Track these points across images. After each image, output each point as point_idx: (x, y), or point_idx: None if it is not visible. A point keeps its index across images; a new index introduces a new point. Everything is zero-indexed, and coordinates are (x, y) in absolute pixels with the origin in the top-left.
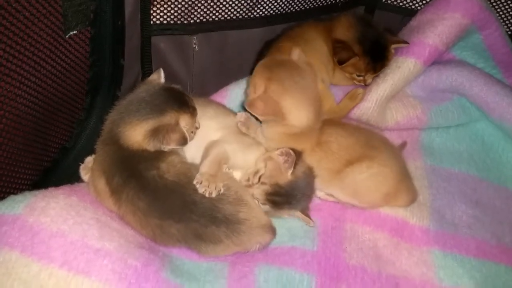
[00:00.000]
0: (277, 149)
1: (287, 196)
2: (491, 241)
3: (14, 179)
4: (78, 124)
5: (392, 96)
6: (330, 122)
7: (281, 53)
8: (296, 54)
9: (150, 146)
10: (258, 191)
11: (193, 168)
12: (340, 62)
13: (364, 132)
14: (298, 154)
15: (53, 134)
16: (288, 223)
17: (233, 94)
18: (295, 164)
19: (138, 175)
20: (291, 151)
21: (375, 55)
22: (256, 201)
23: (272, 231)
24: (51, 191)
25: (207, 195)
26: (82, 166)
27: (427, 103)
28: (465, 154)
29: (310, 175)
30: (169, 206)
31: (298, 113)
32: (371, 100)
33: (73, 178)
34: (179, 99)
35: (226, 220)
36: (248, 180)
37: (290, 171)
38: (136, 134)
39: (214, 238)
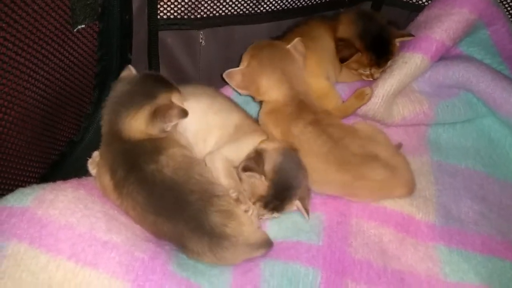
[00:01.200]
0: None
1: (278, 197)
2: (497, 237)
3: (23, 172)
4: (86, 118)
5: (399, 92)
6: (308, 117)
7: None
8: (294, 42)
9: (155, 129)
10: (260, 212)
11: (195, 163)
12: (343, 60)
13: (341, 140)
14: (257, 153)
15: (61, 127)
16: (294, 218)
17: None
18: (261, 166)
19: (138, 169)
20: (247, 161)
21: (378, 49)
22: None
23: (265, 246)
24: (59, 184)
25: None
26: (89, 161)
27: (433, 99)
28: (471, 150)
29: (286, 157)
30: (163, 202)
31: (271, 90)
32: (377, 96)
33: (80, 171)
34: (164, 82)
35: (211, 231)
36: (249, 210)
37: (263, 179)
38: (138, 123)
39: (197, 247)
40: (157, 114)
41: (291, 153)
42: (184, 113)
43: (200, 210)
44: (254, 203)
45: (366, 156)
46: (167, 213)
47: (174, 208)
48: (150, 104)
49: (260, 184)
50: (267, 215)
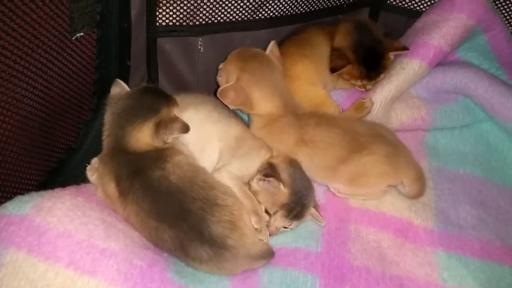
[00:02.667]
0: (252, 180)
1: (299, 204)
2: (496, 242)
3: (21, 179)
4: (85, 125)
5: (397, 97)
6: (312, 121)
7: (288, 57)
8: (270, 47)
9: (159, 141)
10: (280, 223)
11: (200, 172)
12: (333, 70)
13: (348, 127)
14: (270, 165)
15: (59, 134)
16: None
17: None
18: (279, 175)
19: (143, 175)
20: (265, 170)
21: (369, 63)
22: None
23: (266, 257)
24: (58, 192)
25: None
26: (88, 167)
27: (431, 104)
28: (469, 155)
29: (296, 168)
30: (167, 209)
31: (264, 103)
32: (375, 101)
33: (79, 178)
34: (164, 95)
35: (211, 241)
36: (269, 223)
37: (282, 187)
38: (144, 136)
39: (197, 256)
40: (161, 126)
41: (297, 163)
42: (185, 128)
43: (202, 219)
44: (275, 213)
45: (373, 134)
46: (170, 220)
47: (177, 216)
48: (155, 117)
49: (280, 192)
50: (287, 223)
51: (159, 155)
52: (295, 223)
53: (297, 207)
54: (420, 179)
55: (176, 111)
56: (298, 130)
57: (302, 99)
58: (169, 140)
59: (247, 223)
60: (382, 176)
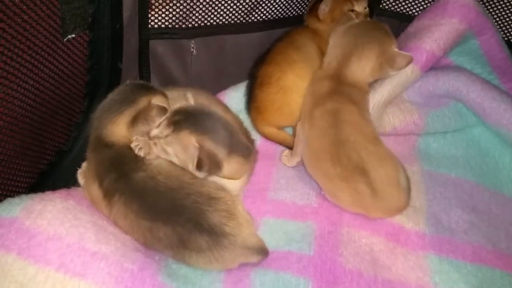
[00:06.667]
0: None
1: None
2: (487, 246)
3: (11, 181)
4: (76, 127)
5: (389, 102)
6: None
7: (276, 66)
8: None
9: (138, 133)
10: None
11: (185, 171)
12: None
13: (345, 144)
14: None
15: (50, 137)
16: (285, 227)
17: (230, 99)
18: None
19: (126, 177)
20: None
21: None
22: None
23: (261, 253)
24: (48, 195)
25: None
26: (79, 171)
27: (424, 109)
28: (461, 160)
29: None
30: (158, 208)
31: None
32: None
33: (69, 181)
34: (144, 87)
35: (210, 229)
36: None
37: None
38: (119, 129)
39: (197, 246)
40: (138, 119)
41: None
42: (163, 110)
43: (198, 211)
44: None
45: (358, 168)
46: (164, 217)
47: (171, 213)
48: (130, 109)
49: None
50: (162, 130)
51: (138, 156)
52: (170, 138)
53: (181, 115)
54: (390, 215)
55: (157, 100)
56: (320, 100)
57: (295, 110)
58: (154, 132)
59: (242, 213)
60: (350, 204)
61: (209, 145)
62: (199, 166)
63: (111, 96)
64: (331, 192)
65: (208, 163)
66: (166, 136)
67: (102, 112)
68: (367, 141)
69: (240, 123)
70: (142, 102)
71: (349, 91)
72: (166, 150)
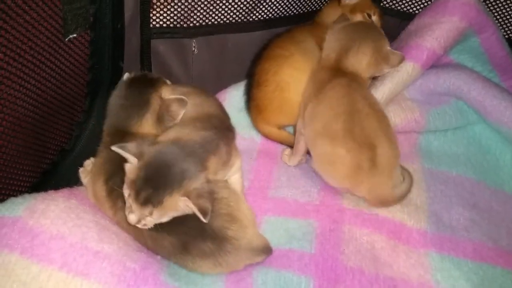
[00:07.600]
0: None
1: (151, 184)
2: (488, 244)
3: (14, 181)
4: (77, 126)
5: (390, 100)
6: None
7: (272, 61)
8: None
9: (165, 127)
10: (132, 210)
11: None
12: None
13: (358, 116)
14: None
15: (52, 136)
16: (286, 225)
17: (231, 97)
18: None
19: None
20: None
21: None
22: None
23: (266, 252)
24: (51, 194)
25: None
26: (81, 170)
27: (425, 106)
28: (462, 157)
29: (176, 147)
30: None
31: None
32: None
33: (72, 180)
34: (147, 82)
35: (213, 235)
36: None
37: (131, 158)
38: (148, 129)
39: (200, 252)
40: (163, 117)
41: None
42: (183, 102)
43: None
44: (129, 196)
45: (367, 140)
46: (167, 227)
47: (175, 220)
48: (149, 110)
49: (132, 166)
50: (140, 211)
51: None
52: (155, 212)
53: (146, 187)
54: (378, 202)
55: (166, 93)
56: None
57: (294, 108)
58: (178, 119)
59: (246, 213)
60: (345, 177)
61: (195, 187)
62: (204, 214)
63: (121, 101)
64: (329, 160)
65: (208, 200)
66: (151, 214)
67: (120, 117)
68: (380, 117)
69: (219, 105)
70: (154, 100)
71: (351, 77)
72: (161, 219)
